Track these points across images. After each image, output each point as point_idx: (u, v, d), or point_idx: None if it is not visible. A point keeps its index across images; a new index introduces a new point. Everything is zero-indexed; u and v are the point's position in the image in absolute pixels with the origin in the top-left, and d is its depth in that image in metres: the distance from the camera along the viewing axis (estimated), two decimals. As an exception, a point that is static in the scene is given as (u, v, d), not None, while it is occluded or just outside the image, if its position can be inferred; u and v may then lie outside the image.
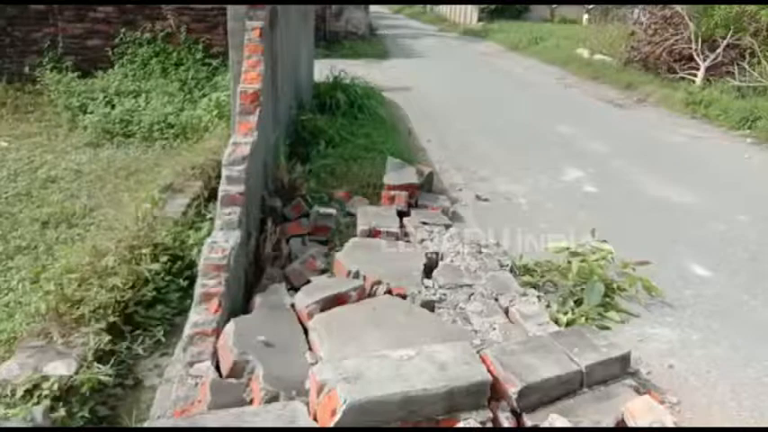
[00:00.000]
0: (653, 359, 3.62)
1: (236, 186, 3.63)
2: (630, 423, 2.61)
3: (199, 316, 3.19)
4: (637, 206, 6.11)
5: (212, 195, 4.81)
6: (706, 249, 5.16)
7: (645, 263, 4.48)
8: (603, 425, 2.71)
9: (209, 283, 3.24)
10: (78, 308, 3.44)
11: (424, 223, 4.97)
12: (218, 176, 3.91)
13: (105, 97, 7.99)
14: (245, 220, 3.68)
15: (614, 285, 4.30)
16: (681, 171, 7.29)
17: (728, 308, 4.25)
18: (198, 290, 3.27)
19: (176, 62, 8.90)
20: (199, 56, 8.91)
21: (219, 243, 3.41)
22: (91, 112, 7.64)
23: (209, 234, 3.73)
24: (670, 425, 2.49)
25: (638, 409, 2.61)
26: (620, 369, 3.12)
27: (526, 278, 4.35)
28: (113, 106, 7.76)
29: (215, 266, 3.27)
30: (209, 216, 4.69)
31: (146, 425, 2.70)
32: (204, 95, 8.00)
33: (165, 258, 4.09)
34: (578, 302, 4.08)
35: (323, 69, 9.14)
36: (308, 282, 3.85)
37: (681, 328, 3.97)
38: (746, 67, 11.09)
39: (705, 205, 6.19)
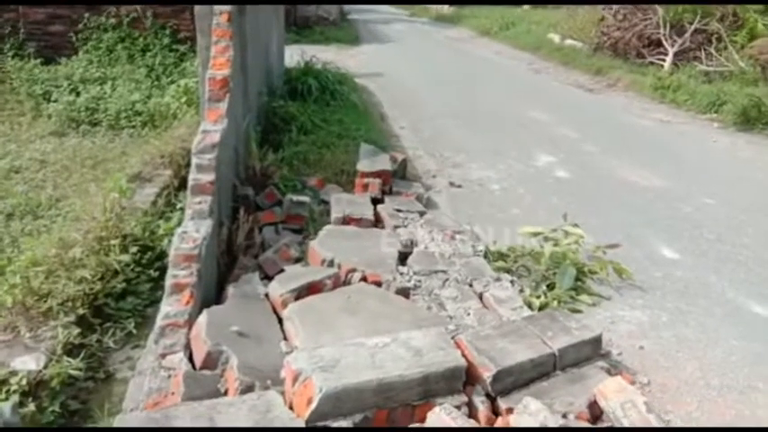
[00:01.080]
0: (624, 341, 3.69)
1: (206, 175, 3.57)
2: (602, 404, 2.65)
3: (170, 307, 3.15)
4: (607, 190, 6.19)
5: (182, 184, 4.73)
6: (674, 232, 5.26)
7: (615, 246, 4.56)
8: (576, 406, 2.76)
9: (180, 274, 3.19)
10: (46, 301, 3.36)
11: (398, 210, 4.97)
12: (188, 165, 3.84)
13: (70, 85, 7.77)
14: (216, 210, 3.63)
15: (586, 269, 4.37)
16: (650, 155, 7.41)
17: (696, 289, 4.35)
18: (169, 281, 3.22)
19: (143, 48, 8.68)
20: (166, 41, 8.70)
21: (190, 233, 3.35)
22: (55, 101, 7.42)
23: (179, 224, 3.67)
24: (641, 405, 2.54)
25: (610, 390, 2.66)
26: (591, 351, 3.17)
27: (500, 263, 4.38)
28: (78, 94, 7.55)
29: (186, 257, 3.22)
30: (179, 205, 4.62)
31: (118, 418, 2.65)
32: (172, 82, 7.83)
33: (134, 249, 4.01)
34: (551, 286, 4.13)
35: (294, 55, 9.02)
36: (282, 271, 3.82)
37: (651, 310, 4.05)
38: (713, 51, 11.29)
39: (673, 189, 6.30)
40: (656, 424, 2.48)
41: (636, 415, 2.51)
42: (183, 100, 7.13)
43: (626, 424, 2.50)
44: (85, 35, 8.75)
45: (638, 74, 11.71)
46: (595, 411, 2.75)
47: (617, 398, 2.61)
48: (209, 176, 3.57)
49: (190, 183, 3.62)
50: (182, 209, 4.21)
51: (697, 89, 10.19)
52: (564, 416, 2.68)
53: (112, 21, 8.71)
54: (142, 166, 5.40)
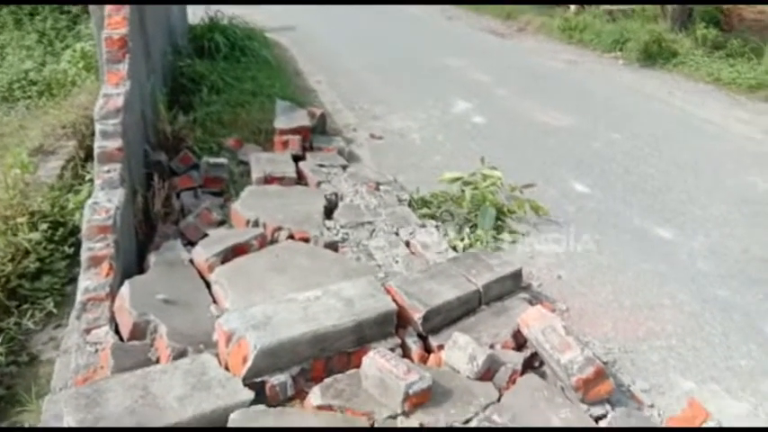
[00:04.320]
0: (543, 272, 3.89)
1: (112, 141, 3.40)
2: (525, 332, 2.81)
3: (89, 281, 3.04)
4: (521, 132, 6.38)
5: (89, 154, 4.47)
6: (585, 168, 5.52)
7: (531, 185, 4.76)
8: (502, 336, 2.91)
9: (96, 247, 3.07)
10: (-48, 288, 3.16)
11: (321, 166, 4.94)
12: (93, 134, 3.65)
13: (-51, 56, 7.13)
14: (127, 177, 3.48)
15: (505, 209, 4.53)
16: (560, 96, 7.66)
17: (607, 219, 4.62)
18: (85, 254, 3.10)
19: (30, 12, 8.01)
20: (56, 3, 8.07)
21: (102, 203, 3.21)
22: (-66, 75, 6.79)
23: (89, 196, 3.50)
24: (560, 329, 2.71)
25: (531, 318, 2.82)
26: (513, 284, 3.34)
27: (424, 210, 4.47)
28: (-39, 66, 6.94)
29: (100, 228, 3.09)
30: (88, 177, 4.39)
31: (47, 399, 2.57)
32: (67, 47, 7.31)
33: (44, 226, 3.82)
34: (473, 228, 4.27)
35: (197, 11, 8.58)
36: (206, 235, 3.75)
37: (566, 242, 4.27)
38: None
39: (583, 126, 6.57)
40: (575, 345, 2.66)
41: (556, 338, 2.68)
42: (81, 65, 6.69)
43: (547, 348, 2.67)
44: (-38, 1, 7.98)
45: (547, 16, 11.94)
46: (519, 340, 2.91)
47: (538, 325, 2.77)
48: (116, 143, 3.40)
49: (96, 151, 3.45)
50: (91, 180, 4.01)
51: (602, 28, 10.52)
52: (491, 346, 2.83)
53: (-9, -18, 7.98)
54: (43, 139, 5.07)
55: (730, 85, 8.08)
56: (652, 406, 2.83)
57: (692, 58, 8.98)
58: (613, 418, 2.51)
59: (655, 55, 9.20)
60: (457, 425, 2.41)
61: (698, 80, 8.43)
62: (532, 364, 2.83)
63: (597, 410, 2.56)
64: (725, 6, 10.44)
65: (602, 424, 2.49)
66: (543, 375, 2.74)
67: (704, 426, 2.31)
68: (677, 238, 4.38)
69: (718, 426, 2.34)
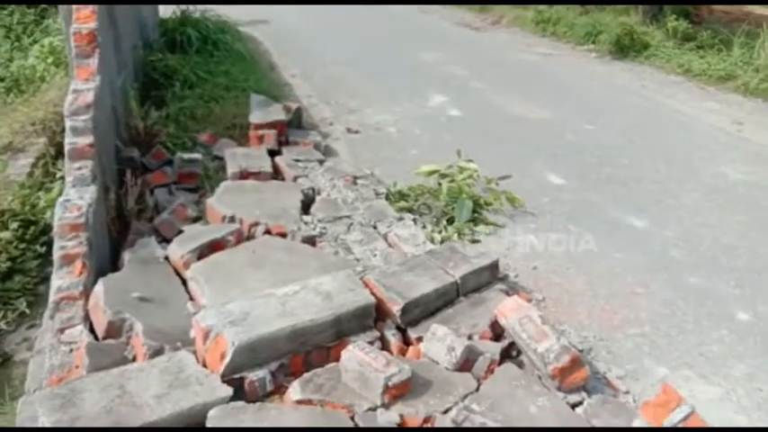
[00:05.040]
0: (519, 263, 3.93)
1: (83, 138, 3.33)
2: (502, 322, 2.84)
3: (62, 280, 2.99)
4: (497, 125, 6.42)
5: (60, 152, 4.39)
6: (560, 159, 5.58)
7: (506, 177, 4.79)
8: (479, 327, 2.94)
9: (68, 245, 3.02)
10: None
11: (297, 160, 4.92)
12: (64, 130, 3.58)
13: None
14: (99, 174, 3.42)
15: (481, 201, 4.56)
16: (535, 89, 7.72)
17: (582, 210, 4.67)
18: (57, 253, 3.05)
19: (-4, 6, 7.82)
20: (22, -3, 7.87)
21: (73, 201, 3.15)
22: None
23: (61, 193, 3.44)
24: (536, 319, 2.74)
25: (508, 309, 2.84)
26: (490, 276, 3.36)
27: (401, 203, 4.48)
28: (-77, 62, 6.74)
29: (72, 226, 3.04)
30: (59, 174, 4.31)
31: (21, 400, 2.52)
32: (35, 42, 7.13)
33: (15, 225, 3.76)
34: (450, 220, 4.29)
35: (167, 5, 8.46)
36: (181, 232, 3.70)
37: (542, 233, 4.31)
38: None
39: (557, 119, 6.64)
40: (551, 334, 2.69)
41: (533, 328, 2.71)
42: (50, 61, 6.54)
43: (524, 337, 2.70)
44: None
45: (520, 9, 12.00)
46: (497, 330, 2.94)
47: (515, 315, 2.80)
48: (87, 139, 3.34)
49: (66, 148, 3.38)
50: (62, 178, 3.94)
51: (575, 21, 10.62)
52: (469, 337, 2.85)
53: (-47, -24, 7.75)
54: (12, 136, 4.95)
55: (700, 76, 8.21)
56: (627, 392, 2.89)
57: (663, 50, 9.11)
58: (589, 405, 2.55)
59: (627, 47, 9.31)
60: (436, 415, 2.43)
61: (669, 72, 8.56)
62: (510, 353, 2.87)
63: (573, 398, 2.60)
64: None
65: (579, 411, 2.53)
66: (521, 365, 2.78)
67: (701, 425, 2.36)
68: (650, 227, 4.46)
69: (691, 409, 2.39)
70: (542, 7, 11.49)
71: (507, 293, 3.25)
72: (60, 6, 4.39)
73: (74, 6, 3.89)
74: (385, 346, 2.87)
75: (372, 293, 2.98)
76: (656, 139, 6.08)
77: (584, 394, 2.63)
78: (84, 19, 3.77)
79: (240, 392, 2.50)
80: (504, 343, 2.87)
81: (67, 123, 3.43)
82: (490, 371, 2.69)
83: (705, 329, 3.37)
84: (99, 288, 2.97)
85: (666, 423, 2.35)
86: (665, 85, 8.07)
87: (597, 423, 2.46)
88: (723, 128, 6.52)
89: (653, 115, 6.86)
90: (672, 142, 6.03)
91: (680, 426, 2.34)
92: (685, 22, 9.47)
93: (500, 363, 2.74)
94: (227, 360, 2.51)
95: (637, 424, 2.40)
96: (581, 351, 3.00)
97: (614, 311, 3.52)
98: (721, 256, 4.09)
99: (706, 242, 4.26)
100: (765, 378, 3.01)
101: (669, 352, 3.19)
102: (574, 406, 2.56)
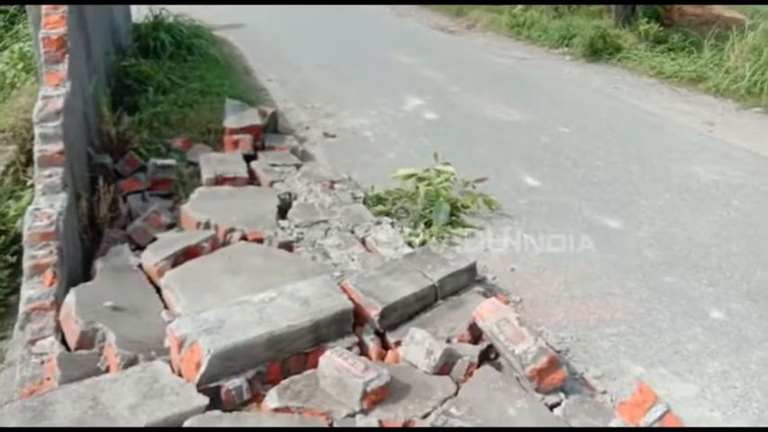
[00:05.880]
0: (497, 265, 3.95)
1: (53, 145, 3.27)
2: (480, 324, 2.84)
3: (33, 290, 2.92)
4: (473, 128, 6.45)
5: (30, 159, 4.29)
6: (535, 161, 5.63)
7: (483, 180, 4.82)
8: (458, 330, 2.94)
9: (38, 254, 2.95)
10: None
11: (274, 165, 4.88)
12: (34, 138, 3.51)
13: None
14: (70, 182, 3.35)
15: (459, 204, 4.58)
16: (510, 92, 7.78)
17: (557, 211, 4.71)
18: (27, 262, 2.98)
19: (-38, 11, 7.63)
20: (-10, 2, 7.70)
21: (44, 209, 3.09)
22: None
23: (31, 202, 3.37)
24: (513, 320, 2.75)
25: (486, 311, 2.85)
26: (468, 278, 3.37)
27: (379, 207, 4.47)
28: None
29: (42, 235, 2.97)
30: (29, 182, 4.21)
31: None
32: (5, 47, 6.97)
33: (-17, 235, 3.65)
34: (428, 224, 4.30)
35: (141, 9, 8.35)
36: (155, 239, 3.65)
37: (519, 235, 4.34)
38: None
39: (532, 121, 6.70)
40: (528, 336, 2.71)
41: (510, 330, 2.72)
42: (20, 67, 6.39)
43: (502, 339, 2.71)
44: None
45: (495, 13, 12.11)
46: (475, 332, 2.94)
47: (493, 317, 2.80)
48: (57, 146, 3.27)
49: (36, 155, 3.31)
50: (33, 185, 3.85)
51: (549, 24, 10.74)
52: (448, 340, 2.85)
53: None
54: (-20, 144, 4.84)
55: (672, 78, 8.36)
56: (605, 392, 2.91)
57: (636, 52, 9.26)
58: (567, 405, 2.57)
59: (600, 50, 9.44)
60: (416, 420, 2.42)
61: (641, 74, 8.70)
62: (488, 355, 2.87)
63: (552, 399, 2.61)
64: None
65: (557, 412, 2.54)
66: (499, 367, 2.78)
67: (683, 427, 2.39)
68: (625, 227, 4.51)
69: (667, 407, 2.42)
70: (517, 10, 11.59)
71: (485, 295, 3.26)
72: (29, 11, 4.30)
73: (43, 11, 3.81)
74: (363, 351, 2.86)
75: (350, 298, 2.97)
76: (630, 141, 6.17)
77: (562, 395, 2.65)
78: (54, 24, 3.70)
79: (217, 401, 2.47)
80: (483, 345, 2.87)
81: (37, 130, 3.36)
82: (469, 374, 2.69)
83: (680, 328, 3.42)
84: (70, 298, 2.91)
85: (643, 422, 2.38)
86: (637, 87, 8.20)
87: (575, 423, 2.48)
88: (694, 128, 6.64)
89: (626, 117, 6.96)
90: (644, 143, 6.12)
91: (656, 426, 2.36)
92: (657, 25, 9.64)
93: (479, 365, 2.74)
94: (202, 369, 2.47)
95: (614, 424, 2.42)
96: (558, 352, 3.02)
97: (591, 312, 3.55)
98: (694, 255, 4.16)
99: (679, 241, 4.32)
100: (739, 375, 3.06)
101: (645, 351, 3.23)
102: (552, 407, 2.57)
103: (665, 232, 4.45)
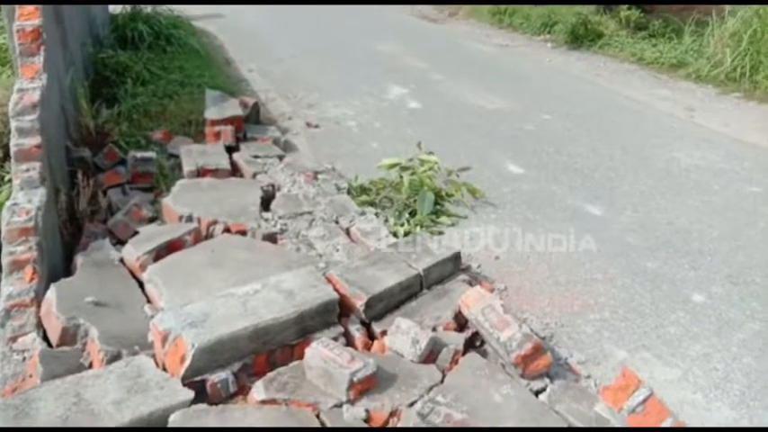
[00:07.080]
0: (481, 254, 3.96)
1: (30, 139, 3.21)
2: (465, 312, 2.85)
3: (12, 287, 2.89)
4: (457, 116, 6.45)
5: (7, 154, 4.22)
6: (518, 149, 5.64)
7: (467, 168, 4.83)
8: (443, 319, 2.95)
9: (17, 250, 2.91)
10: None
11: (256, 156, 4.84)
12: (10, 131, 3.44)
13: None
14: (48, 176, 3.30)
15: (443, 193, 4.58)
16: (493, 79, 7.78)
17: (541, 199, 4.73)
18: (6, 259, 2.94)
19: (-68, 2, 7.44)
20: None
21: (22, 204, 3.04)
22: None
23: (9, 197, 3.31)
24: (498, 308, 2.76)
25: (471, 299, 2.86)
26: (453, 267, 3.38)
27: (363, 198, 4.46)
28: None
29: (21, 230, 2.94)
30: (6, 177, 4.14)
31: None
32: (-22, 40, 6.83)
33: (-40, 231, 3.57)
34: (413, 213, 4.29)
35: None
36: (136, 233, 3.61)
37: (503, 223, 4.36)
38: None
39: (515, 109, 6.71)
40: (513, 323, 2.72)
41: (495, 317, 2.73)
42: (-6, 59, 6.27)
43: (487, 327, 2.72)
44: None
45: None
46: (461, 320, 2.95)
47: (478, 305, 2.82)
48: (34, 140, 3.22)
49: (13, 149, 3.26)
50: (10, 181, 3.78)
51: (531, 11, 10.73)
52: (433, 329, 2.86)
53: None
54: (-46, 139, 4.73)
55: (653, 64, 8.40)
56: (589, 377, 2.94)
57: (617, 39, 9.29)
58: (552, 391, 2.59)
59: (582, 37, 9.46)
60: (402, 409, 2.43)
61: (623, 60, 8.74)
62: (474, 343, 2.89)
63: (537, 384, 2.63)
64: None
65: (542, 397, 2.56)
66: (485, 354, 2.80)
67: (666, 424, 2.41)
68: (607, 213, 4.54)
69: (650, 391, 2.45)
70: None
71: (470, 284, 3.27)
72: (2, 3, 4.21)
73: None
74: (349, 341, 2.86)
75: (335, 289, 2.96)
76: (611, 127, 6.21)
77: (546, 380, 2.67)
78: (28, 15, 3.62)
79: (202, 395, 2.46)
80: (468, 333, 2.88)
81: (13, 124, 3.31)
82: (454, 361, 2.71)
83: (662, 312, 3.45)
84: (51, 294, 2.87)
85: (626, 406, 2.40)
86: (618, 73, 8.23)
87: (560, 409, 2.50)
88: (675, 114, 6.69)
89: (608, 103, 7.00)
90: (626, 130, 6.16)
91: (639, 410, 2.39)
92: (637, 12, 9.67)
93: (464, 353, 2.75)
94: (187, 363, 2.45)
95: (598, 408, 2.45)
96: (543, 338, 3.05)
97: (575, 298, 3.57)
98: (676, 240, 4.20)
99: (661, 227, 4.36)
100: (721, 357, 3.11)
101: (628, 335, 3.27)
102: (537, 393, 2.60)
103: (648, 218, 4.49)
